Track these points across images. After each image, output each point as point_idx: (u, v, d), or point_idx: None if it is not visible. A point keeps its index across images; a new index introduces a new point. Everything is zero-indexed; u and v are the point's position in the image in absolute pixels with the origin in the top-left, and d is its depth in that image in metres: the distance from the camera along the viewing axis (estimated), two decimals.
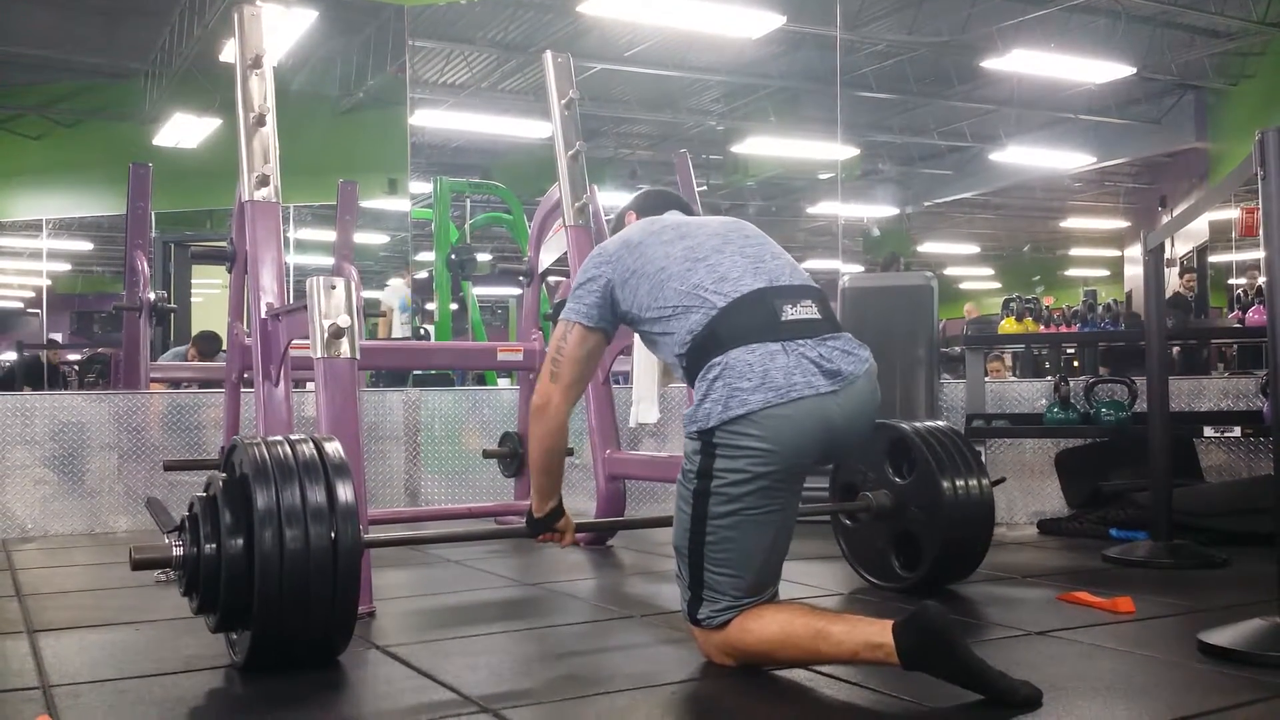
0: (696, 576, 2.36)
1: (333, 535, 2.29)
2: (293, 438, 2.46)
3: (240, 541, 2.30)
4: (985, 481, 3.17)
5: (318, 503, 2.31)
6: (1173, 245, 13.17)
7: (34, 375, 10.08)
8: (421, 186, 10.82)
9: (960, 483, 3.10)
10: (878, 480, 3.23)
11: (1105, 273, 19.91)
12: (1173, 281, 10.52)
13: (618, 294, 2.55)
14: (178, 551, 2.38)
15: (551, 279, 5.31)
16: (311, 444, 2.44)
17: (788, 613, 2.30)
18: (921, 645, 2.05)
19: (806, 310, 2.40)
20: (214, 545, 2.33)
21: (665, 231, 2.59)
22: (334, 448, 2.45)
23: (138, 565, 2.41)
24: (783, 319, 2.36)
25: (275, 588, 2.24)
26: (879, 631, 2.12)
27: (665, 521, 2.71)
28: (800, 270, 2.55)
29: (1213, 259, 12.89)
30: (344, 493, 2.34)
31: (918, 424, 3.27)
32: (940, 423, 3.33)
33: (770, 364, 2.28)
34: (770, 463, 2.27)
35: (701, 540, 2.33)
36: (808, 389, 2.28)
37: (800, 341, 2.33)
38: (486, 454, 5.02)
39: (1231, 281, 13.05)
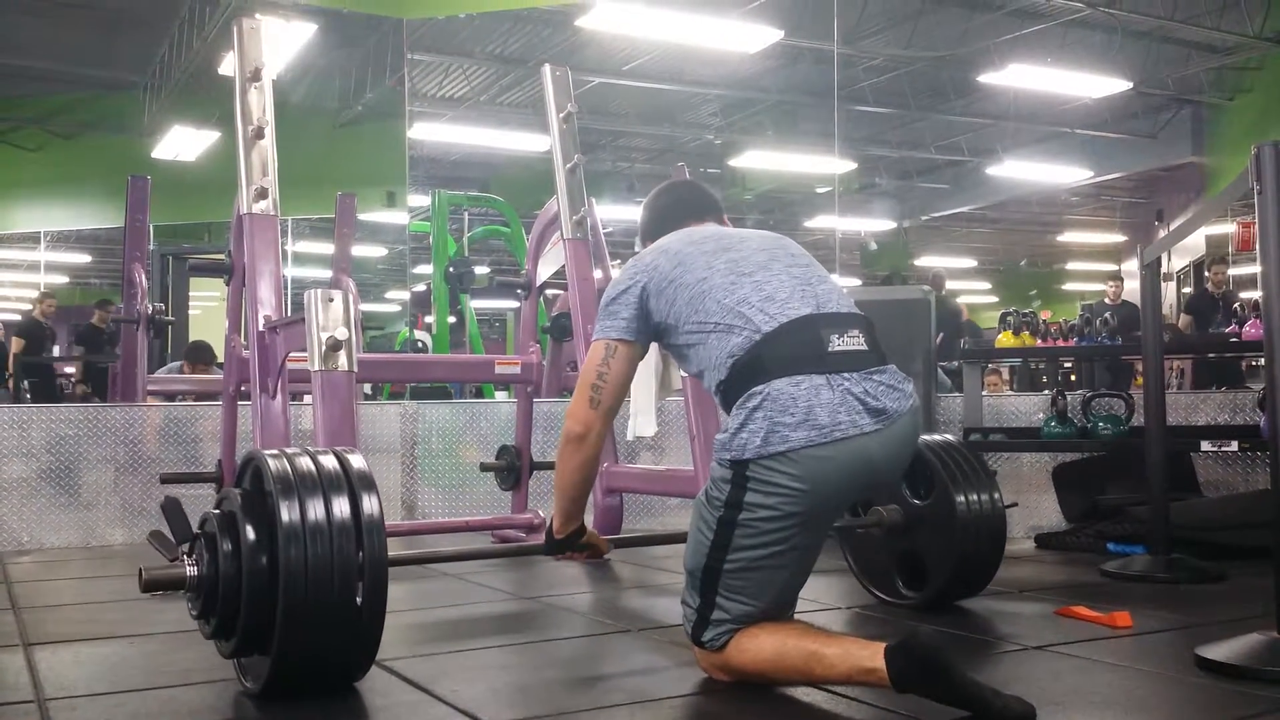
0: (708, 600, 2.29)
1: (362, 554, 2.17)
2: (311, 449, 2.35)
3: (265, 560, 2.16)
4: (1000, 499, 3.14)
5: (344, 519, 2.18)
6: (1169, 260, 13.20)
7: (92, 342, 9.90)
8: (420, 199, 10.84)
9: (974, 500, 3.07)
10: (890, 495, 3.19)
11: (1102, 287, 19.95)
12: (1170, 293, 10.31)
13: (652, 304, 2.45)
14: (192, 571, 2.25)
15: (550, 292, 5.31)
16: (333, 456, 2.31)
17: (783, 634, 2.24)
18: (912, 670, 2.01)
19: (854, 341, 2.31)
20: (235, 565, 2.18)
21: (706, 242, 2.50)
22: (357, 460, 2.32)
23: (148, 586, 2.27)
24: (829, 349, 2.27)
25: (301, 611, 2.11)
26: (871, 656, 2.07)
27: (670, 539, 2.68)
28: (845, 295, 2.47)
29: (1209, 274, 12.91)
30: (370, 506, 2.22)
31: (932, 439, 3.22)
32: (951, 437, 3.31)
33: (815, 399, 2.20)
34: (804, 503, 2.20)
35: (719, 568, 2.26)
36: (852, 428, 2.20)
37: (846, 375, 2.25)
38: (484, 467, 5.01)
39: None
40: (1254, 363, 7.78)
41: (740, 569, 2.25)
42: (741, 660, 2.28)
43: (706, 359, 2.36)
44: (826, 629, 2.32)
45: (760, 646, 2.24)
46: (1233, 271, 10.42)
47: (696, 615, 2.33)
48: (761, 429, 2.20)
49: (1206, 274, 10.53)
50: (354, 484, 2.24)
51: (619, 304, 2.48)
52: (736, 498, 2.23)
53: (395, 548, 3.18)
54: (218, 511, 2.29)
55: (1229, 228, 12.24)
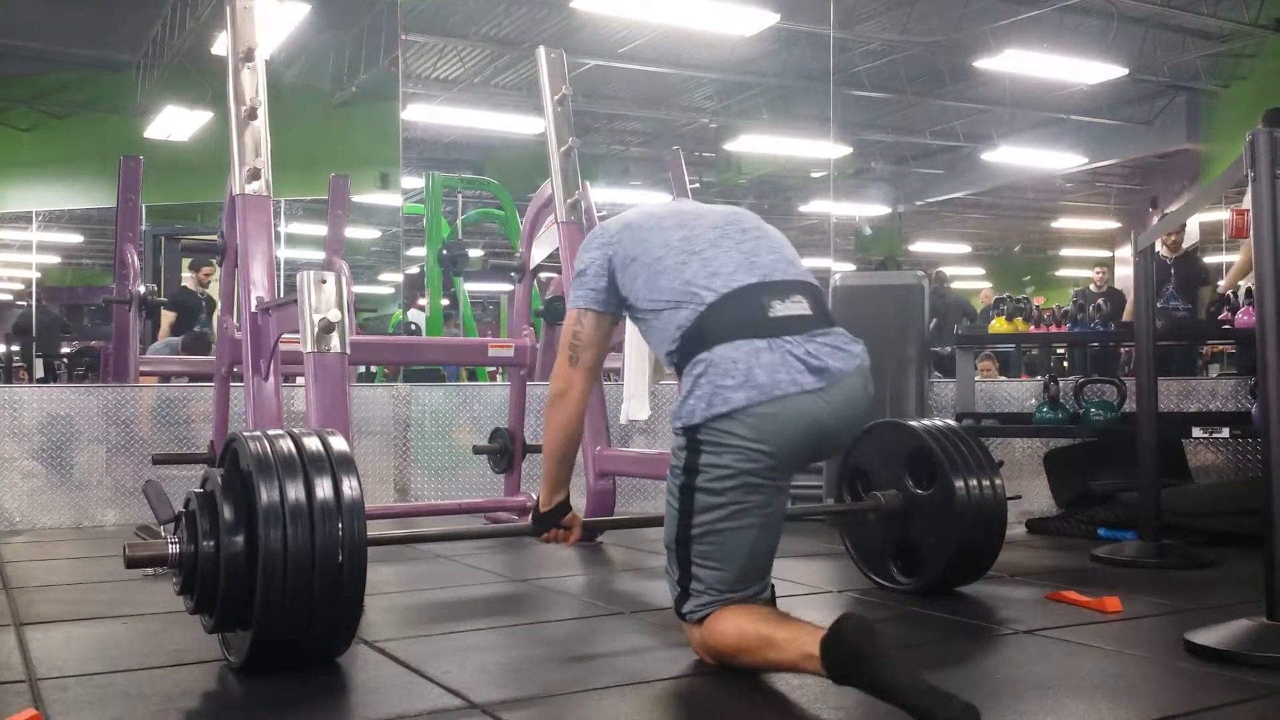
0: (685, 571, 2.35)
1: (339, 534, 2.21)
2: (294, 431, 2.38)
3: (241, 539, 2.22)
4: (1001, 488, 3.14)
5: (325, 499, 2.22)
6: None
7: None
8: (413, 182, 10.81)
9: (975, 488, 3.06)
10: (890, 479, 3.19)
11: (1105, 270, 19.96)
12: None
13: (618, 277, 2.53)
14: (174, 549, 2.29)
15: (543, 275, 5.30)
16: (315, 437, 2.36)
17: (745, 617, 2.27)
18: (844, 660, 1.95)
19: (797, 306, 2.38)
20: (213, 543, 2.24)
21: (666, 219, 2.57)
22: (338, 441, 2.37)
23: (132, 563, 2.32)
24: (770, 315, 2.34)
25: (279, 588, 2.16)
26: (813, 642, 2.03)
27: (660, 520, 2.70)
28: (798, 264, 2.52)
29: (1206, 260, 12.92)
30: (350, 488, 2.26)
31: (933, 424, 3.22)
32: (955, 423, 3.31)
33: (754, 361, 2.26)
34: (754, 459, 2.26)
35: (688, 535, 2.33)
36: (792, 386, 2.26)
37: (788, 338, 2.31)
38: (477, 450, 5.02)
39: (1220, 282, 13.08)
40: (1217, 348, 7.73)
41: (706, 533, 2.31)
42: (713, 640, 2.31)
43: (662, 333, 2.44)
44: (787, 614, 2.30)
45: (725, 629, 2.28)
46: (1226, 259, 10.35)
47: (679, 588, 2.38)
48: (706, 394, 2.27)
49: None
50: (334, 464, 2.29)
51: (588, 275, 2.57)
52: (692, 462, 2.31)
53: (387, 530, 3.19)
54: (200, 491, 2.34)
55: (1223, 215, 12.24)
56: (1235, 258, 5.95)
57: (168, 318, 8.83)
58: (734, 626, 2.26)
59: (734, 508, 2.29)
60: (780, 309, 2.36)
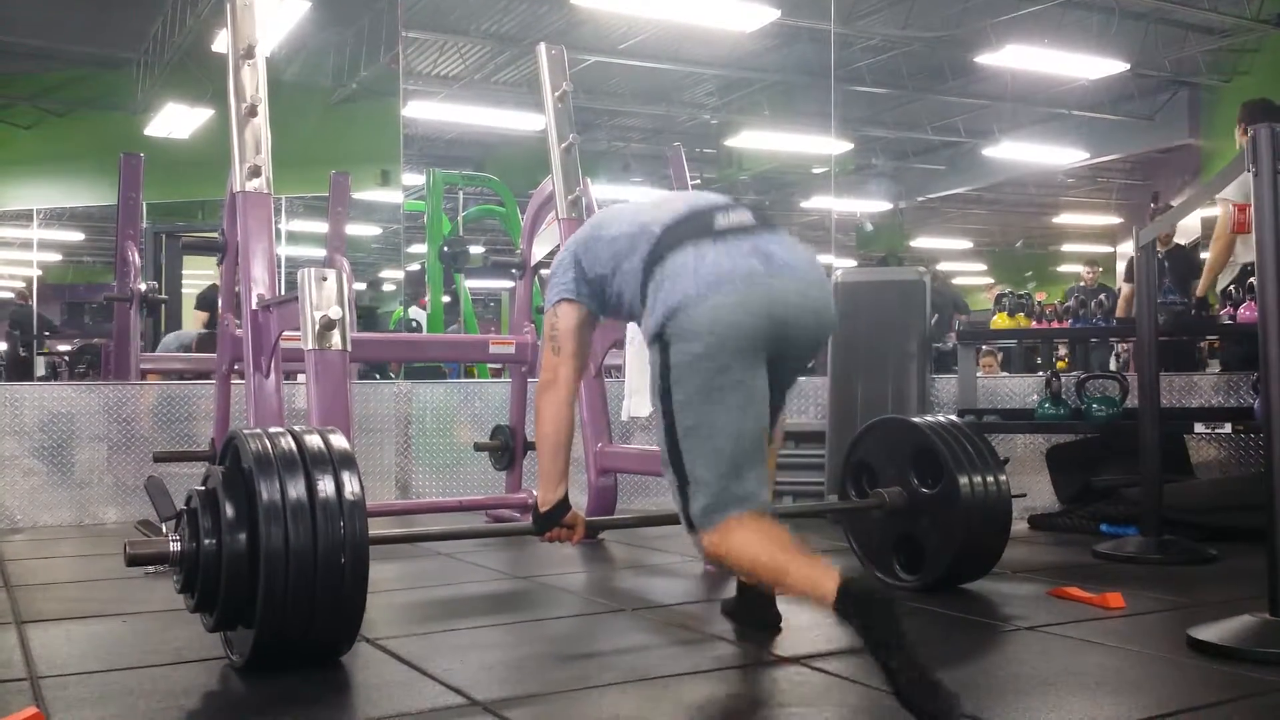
0: (682, 475, 2.40)
1: (342, 532, 2.21)
2: (295, 429, 2.38)
3: (244, 538, 2.21)
4: (1006, 485, 3.13)
5: (327, 497, 2.22)
6: None
7: None
8: (414, 178, 10.80)
9: (979, 485, 3.05)
10: (895, 476, 3.18)
11: (1098, 268, 19.96)
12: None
13: (584, 263, 2.63)
14: (175, 547, 2.28)
15: (544, 272, 5.30)
16: (317, 435, 2.35)
17: (760, 541, 2.33)
18: (854, 613, 2.02)
19: (740, 217, 2.49)
20: (214, 541, 2.23)
21: (625, 209, 2.68)
22: (339, 439, 2.37)
23: (133, 561, 2.31)
24: (716, 226, 2.45)
25: (281, 588, 2.16)
26: (829, 587, 2.08)
27: (664, 520, 2.70)
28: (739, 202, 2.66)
29: (1205, 255, 12.91)
30: (351, 486, 2.26)
31: (937, 421, 3.21)
32: (958, 420, 3.30)
33: (702, 259, 2.38)
34: (713, 336, 2.33)
35: (677, 440, 2.39)
36: (741, 268, 2.37)
37: (733, 239, 2.42)
38: (478, 447, 5.01)
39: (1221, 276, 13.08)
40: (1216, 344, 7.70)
41: (692, 427, 2.36)
42: (725, 553, 2.36)
43: (631, 277, 2.52)
44: (799, 543, 2.32)
45: (740, 548, 2.33)
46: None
47: (681, 495, 2.41)
48: (663, 299, 2.38)
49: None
50: (335, 462, 2.28)
51: (557, 274, 2.69)
52: (665, 361, 2.39)
53: (389, 527, 3.19)
54: (201, 489, 2.34)
55: (1215, 211, 12.22)
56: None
57: (200, 316, 8.89)
58: (750, 548, 2.32)
59: (710, 390, 2.35)
60: (724, 221, 2.47)
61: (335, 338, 3.05)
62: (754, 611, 2.75)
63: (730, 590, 2.93)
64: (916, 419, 3.25)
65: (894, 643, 1.92)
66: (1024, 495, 3.47)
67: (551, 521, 2.71)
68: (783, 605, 2.72)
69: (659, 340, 2.38)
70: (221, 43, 4.89)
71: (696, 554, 2.51)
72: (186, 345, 7.87)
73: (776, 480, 4.97)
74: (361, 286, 9.73)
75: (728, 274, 2.35)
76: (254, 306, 3.54)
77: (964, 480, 3.04)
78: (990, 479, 3.08)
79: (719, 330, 2.31)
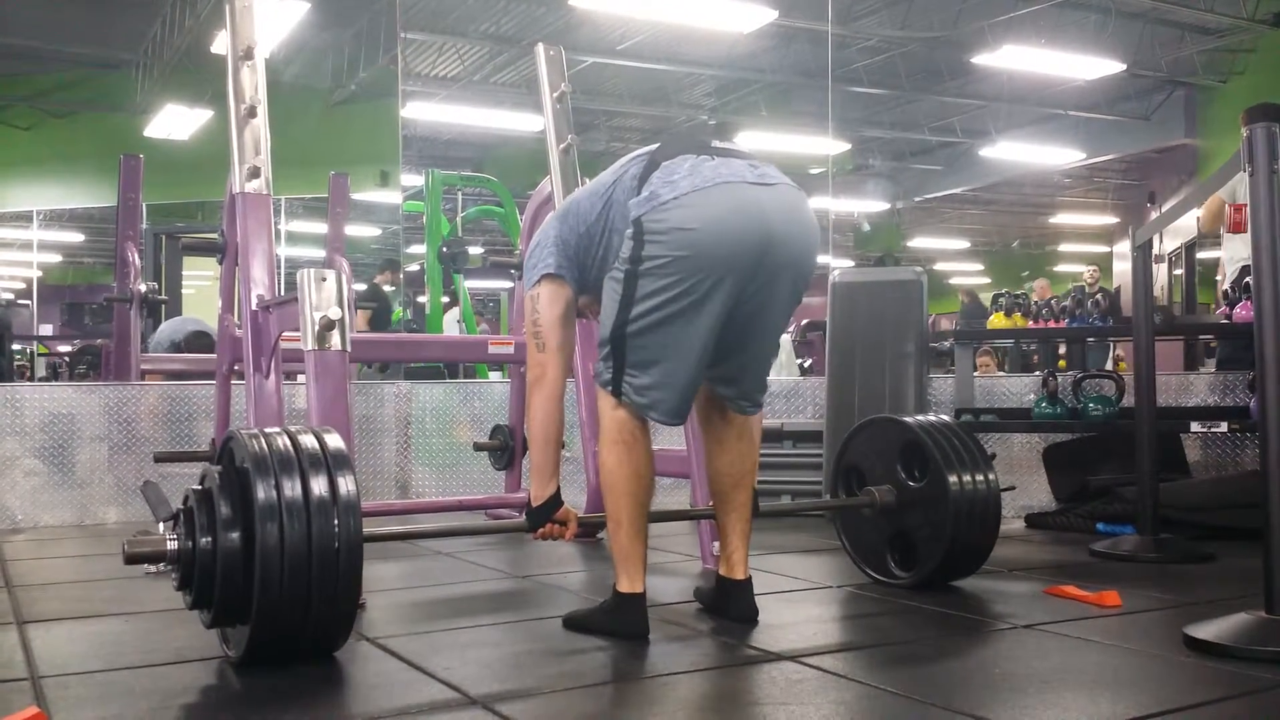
0: (619, 364, 2.50)
1: (335, 530, 2.24)
2: (291, 429, 2.41)
3: (238, 536, 2.25)
4: (995, 482, 3.15)
5: (321, 496, 2.25)
6: (1161, 241, 13.18)
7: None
8: (413, 179, 10.81)
9: (968, 482, 3.08)
10: (884, 474, 3.21)
11: (1098, 271, 19.99)
12: (1161, 274, 10.07)
13: (564, 229, 2.65)
14: (172, 545, 2.31)
15: None
16: (311, 435, 2.39)
17: (640, 480, 2.54)
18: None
19: (734, 146, 2.59)
20: (210, 539, 2.27)
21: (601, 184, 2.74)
22: (334, 439, 2.40)
23: (131, 559, 2.34)
24: (712, 145, 2.56)
25: (276, 584, 2.19)
26: (625, 582, 2.52)
27: (662, 517, 2.71)
28: None
29: (1201, 255, 12.92)
30: (346, 486, 2.29)
31: (926, 419, 3.24)
32: (947, 418, 3.33)
33: (698, 167, 2.46)
34: (695, 242, 2.39)
35: (624, 331, 2.47)
36: (734, 176, 2.45)
37: (730, 157, 2.51)
38: (477, 447, 5.02)
39: (1219, 278, 13.09)
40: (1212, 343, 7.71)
41: (641, 330, 2.45)
42: (607, 450, 2.57)
43: (625, 195, 2.55)
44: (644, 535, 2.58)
45: (619, 464, 2.56)
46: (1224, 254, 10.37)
47: (611, 383, 2.56)
48: (652, 192, 2.46)
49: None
50: (329, 461, 2.32)
51: (534, 254, 2.69)
52: (636, 253, 2.45)
53: (388, 527, 3.20)
54: (198, 488, 2.37)
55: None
56: (1219, 253, 5.94)
57: (364, 314, 8.81)
58: (623, 477, 2.54)
59: (671, 293, 2.41)
60: (719, 144, 2.58)
61: (335, 338, 3.05)
62: (730, 603, 2.78)
63: (709, 579, 2.96)
64: (906, 418, 3.28)
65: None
66: (1013, 488, 3.49)
67: (543, 517, 2.73)
68: (766, 601, 2.73)
69: (636, 227, 2.44)
70: (220, 44, 4.90)
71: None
72: (177, 344, 7.86)
73: (776, 480, 5.02)
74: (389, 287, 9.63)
75: (723, 177, 2.44)
76: (254, 307, 3.55)
77: (952, 477, 3.06)
78: (978, 475, 3.11)
79: (702, 232, 2.38)
